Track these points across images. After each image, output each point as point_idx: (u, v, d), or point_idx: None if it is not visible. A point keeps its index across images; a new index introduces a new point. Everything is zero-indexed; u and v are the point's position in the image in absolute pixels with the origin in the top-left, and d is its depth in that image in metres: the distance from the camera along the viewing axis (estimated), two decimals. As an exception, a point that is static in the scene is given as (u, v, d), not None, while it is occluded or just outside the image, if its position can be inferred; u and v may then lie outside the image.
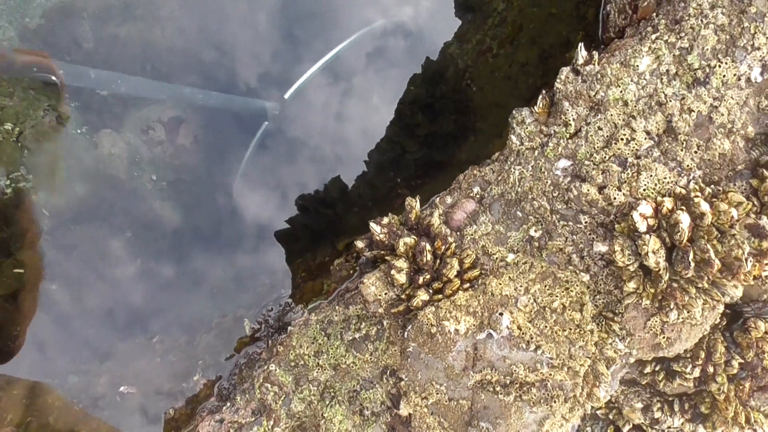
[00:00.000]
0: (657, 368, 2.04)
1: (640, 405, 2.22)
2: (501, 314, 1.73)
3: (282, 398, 2.00)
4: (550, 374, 1.70)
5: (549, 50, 3.41)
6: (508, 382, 1.74)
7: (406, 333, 1.84)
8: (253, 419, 1.99)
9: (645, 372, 2.06)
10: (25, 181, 2.60)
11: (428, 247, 1.81)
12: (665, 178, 1.84)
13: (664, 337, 1.86)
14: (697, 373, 1.95)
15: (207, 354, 2.35)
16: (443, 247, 1.84)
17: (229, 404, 2.05)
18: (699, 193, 1.77)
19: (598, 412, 2.37)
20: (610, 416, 2.32)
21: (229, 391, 2.20)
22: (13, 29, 2.61)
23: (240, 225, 2.73)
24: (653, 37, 2.03)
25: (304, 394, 1.99)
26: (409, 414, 1.90)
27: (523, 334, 1.72)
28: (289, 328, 2.07)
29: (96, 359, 2.45)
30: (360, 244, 1.99)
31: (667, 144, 1.88)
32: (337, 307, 2.06)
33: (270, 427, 1.97)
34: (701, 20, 1.96)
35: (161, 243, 2.70)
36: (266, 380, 2.01)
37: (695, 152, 1.86)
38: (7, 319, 2.62)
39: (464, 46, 3.53)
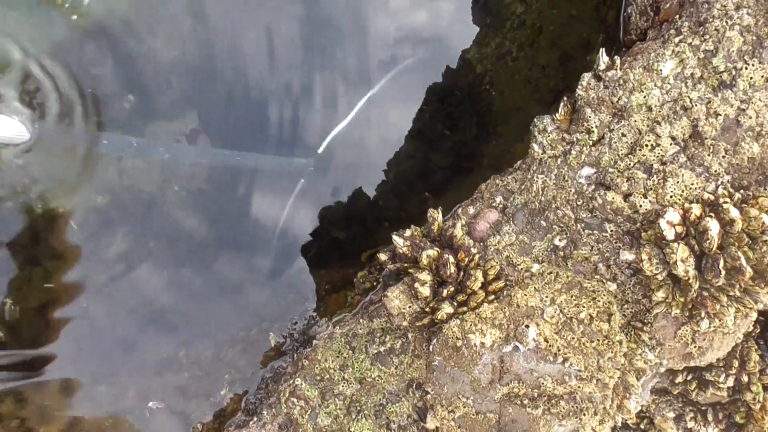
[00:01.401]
0: (689, 377, 1.99)
1: (672, 415, 2.17)
2: (527, 326, 1.71)
3: (308, 412, 2.00)
4: (579, 387, 1.68)
5: (569, 52, 3.38)
6: (535, 395, 1.72)
7: (431, 346, 1.83)
8: (280, 434, 1.99)
9: (676, 381, 2.02)
10: (52, 195, 2.66)
11: (451, 259, 1.80)
12: (692, 184, 1.80)
13: (695, 347, 1.82)
14: (730, 382, 1.90)
15: (233, 368, 2.37)
16: (467, 258, 1.83)
17: (255, 419, 2.06)
18: (728, 199, 1.73)
19: (629, 422, 2.33)
20: (642, 426, 2.27)
21: (255, 405, 2.21)
22: (36, 48, 2.68)
23: (264, 237, 2.75)
24: (676, 40, 1.99)
25: (330, 408, 1.99)
26: (436, 427, 1.89)
27: (550, 346, 1.70)
28: (314, 341, 2.08)
29: (124, 372, 2.48)
30: (383, 256, 1.99)
31: (693, 149, 1.85)
32: (361, 320, 2.05)
33: (297, 441, 1.97)
34: (726, 21, 1.92)
35: (186, 256, 2.73)
36: (292, 394, 2.02)
37: (723, 157, 1.82)
38: (37, 331, 2.68)
39: (483, 51, 3.51)
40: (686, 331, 1.82)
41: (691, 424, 2.11)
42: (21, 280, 2.72)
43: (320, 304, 2.46)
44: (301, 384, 2.03)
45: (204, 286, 2.68)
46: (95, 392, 2.45)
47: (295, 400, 2.01)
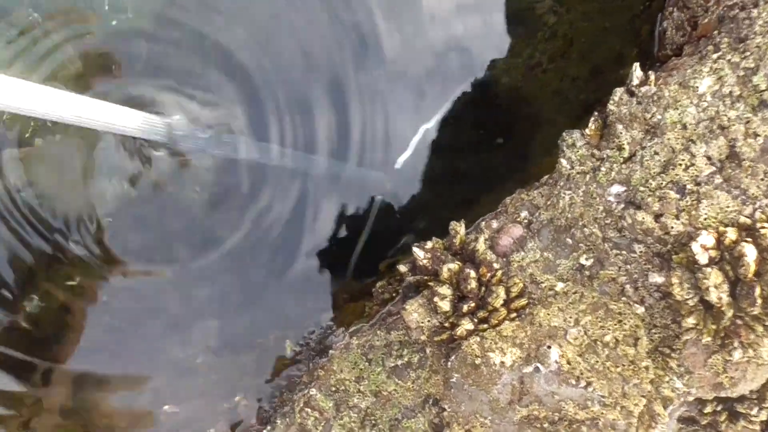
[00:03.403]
0: (719, 408, 1.91)
1: (699, 445, 2.09)
2: (549, 347, 1.66)
3: (322, 424, 1.97)
4: (602, 413, 1.62)
5: (601, 65, 3.32)
6: (556, 418, 1.66)
7: (449, 363, 1.78)
8: (293, 444, 1.96)
9: (705, 412, 1.94)
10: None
11: (473, 274, 1.76)
12: (728, 206, 1.73)
13: (726, 377, 1.75)
14: (764, 416, 1.82)
15: (248, 375, 2.35)
16: (489, 274, 1.78)
17: (269, 427, 2.03)
18: (766, 224, 1.66)
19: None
20: (666, 455, 2.19)
21: (269, 414, 2.19)
22: (73, 49, 2.73)
23: (284, 244, 2.73)
24: (715, 56, 1.92)
25: (345, 420, 1.96)
26: (452, 446, 1.84)
27: (572, 369, 1.64)
28: (330, 351, 2.05)
29: (142, 375, 2.48)
30: (403, 268, 1.95)
31: (730, 170, 1.78)
32: (378, 332, 2.02)
33: (309, 453, 1.94)
34: (768, 38, 1.85)
35: (205, 259, 2.73)
36: (306, 405, 1.99)
37: (762, 179, 1.75)
38: (60, 328, 2.70)
39: (513, 61, 3.47)
40: (717, 359, 1.74)
41: (718, 456, 2.02)
42: (47, 276, 2.75)
43: (337, 313, 2.44)
44: (316, 394, 2.00)
45: (221, 292, 2.68)
46: (110, 393, 2.46)
47: (309, 410, 1.98)
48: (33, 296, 2.73)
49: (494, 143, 3.27)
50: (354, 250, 2.72)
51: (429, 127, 3.01)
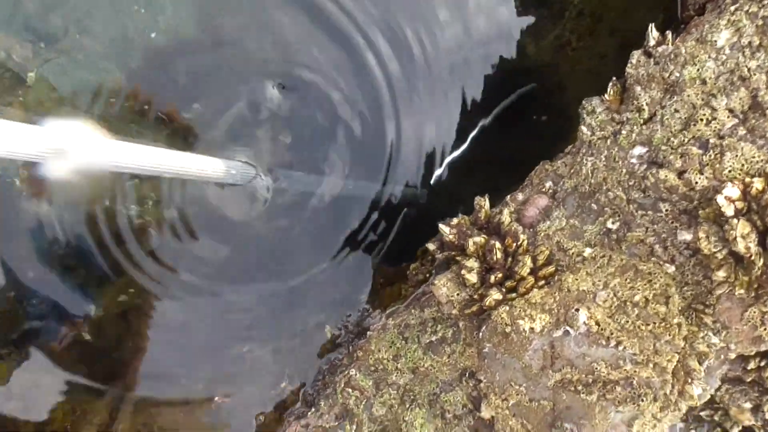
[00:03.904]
0: (762, 363, 1.87)
1: (748, 405, 2.04)
2: (577, 310, 1.67)
3: (363, 402, 2.03)
4: (635, 371, 1.62)
5: (631, 38, 3.28)
6: (590, 380, 1.67)
7: (480, 334, 1.81)
8: (337, 423, 2.03)
9: (749, 368, 1.90)
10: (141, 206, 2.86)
11: (498, 245, 1.78)
12: (753, 157, 1.70)
13: (765, 330, 1.71)
14: (808, 368, 1.77)
15: (292, 361, 2.44)
16: (514, 244, 1.81)
17: (313, 409, 2.11)
18: (794, 171, 1.63)
19: (702, 413, 2.20)
20: (716, 418, 2.15)
21: (313, 396, 2.26)
22: (119, 71, 2.89)
23: (320, 232, 2.82)
24: (732, 8, 1.89)
25: (385, 398, 2.01)
26: (492, 416, 1.87)
27: (602, 330, 1.65)
28: (368, 332, 2.11)
29: (194, 368, 2.61)
30: (431, 246, 2.00)
31: (753, 121, 1.74)
32: (413, 311, 2.07)
33: (353, 430, 2.00)
34: (786, -15, 1.81)
35: (249, 257, 2.84)
36: (347, 385, 2.05)
37: (787, 127, 1.71)
38: (120, 335, 2.87)
39: (541, 43, 3.46)
40: (754, 312, 1.71)
41: (769, 415, 1.97)
42: (105, 287, 2.92)
43: (374, 297, 2.50)
44: (356, 375, 2.06)
45: (271, 285, 2.78)
46: (168, 387, 2.59)
47: (350, 390, 2.05)
48: (92, 306, 2.90)
49: (536, 121, 3.26)
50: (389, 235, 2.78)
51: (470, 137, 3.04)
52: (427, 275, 2.29)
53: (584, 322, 1.66)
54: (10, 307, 2.94)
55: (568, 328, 1.67)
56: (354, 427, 2.00)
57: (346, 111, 2.96)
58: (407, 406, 1.98)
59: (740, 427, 2.10)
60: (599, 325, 1.65)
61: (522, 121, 3.25)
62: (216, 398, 2.49)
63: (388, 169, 2.93)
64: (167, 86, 2.91)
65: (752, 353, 1.82)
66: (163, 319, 2.80)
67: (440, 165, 2.98)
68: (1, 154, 1.49)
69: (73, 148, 1.64)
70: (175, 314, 2.82)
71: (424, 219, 2.92)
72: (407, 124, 3.01)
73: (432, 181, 2.95)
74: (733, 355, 1.82)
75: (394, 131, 2.97)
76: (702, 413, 2.18)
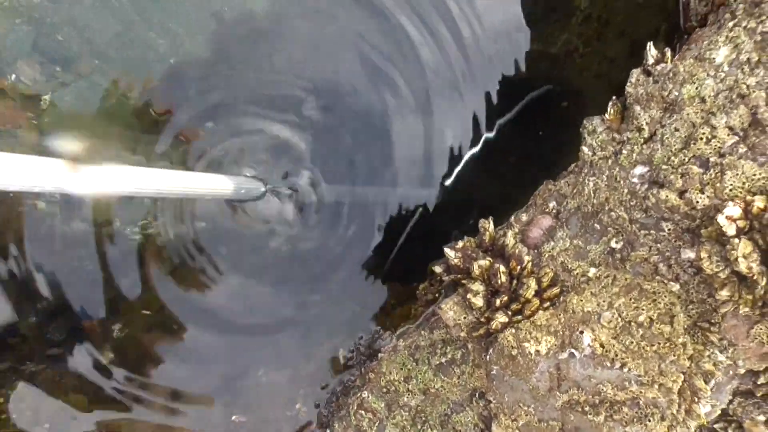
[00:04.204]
0: (772, 379, 1.87)
1: (762, 418, 2.04)
2: (581, 332, 1.69)
3: (376, 424, 2.07)
4: (641, 392, 1.63)
5: (639, 42, 3.27)
6: (596, 401, 1.69)
7: (488, 356, 1.84)
8: (351, 445, 2.07)
9: (759, 383, 1.90)
10: (152, 227, 2.93)
11: (502, 268, 1.81)
12: (754, 174, 1.71)
13: (772, 346, 1.72)
14: (817, 383, 1.77)
15: (306, 383, 2.49)
16: (519, 267, 1.83)
17: (328, 431, 2.15)
18: (795, 188, 1.63)
19: (716, 426, 2.21)
20: (730, 431, 2.15)
21: (327, 418, 2.31)
22: (138, 89, 2.98)
23: (331, 254, 2.87)
24: (730, 24, 1.90)
25: (397, 419, 2.05)
26: (502, 436, 1.90)
27: (606, 351, 1.67)
28: (379, 354, 2.14)
29: (210, 390, 2.68)
30: (438, 269, 2.03)
31: (754, 138, 1.75)
32: (422, 332, 2.10)
33: (367, 452, 2.04)
34: (783, 0, 1.82)
35: (264, 280, 2.90)
36: (360, 407, 2.09)
37: (788, 143, 1.71)
38: (141, 352, 2.95)
39: (549, 49, 3.47)
40: (761, 329, 1.72)
41: (782, 429, 1.97)
42: (128, 306, 3.00)
43: (385, 318, 2.54)
44: (368, 397, 2.10)
45: (285, 307, 2.84)
46: (184, 408, 2.66)
47: (363, 412, 2.09)
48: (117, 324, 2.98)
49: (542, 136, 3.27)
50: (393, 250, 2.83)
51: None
52: (436, 295, 2.32)
53: (588, 345, 1.68)
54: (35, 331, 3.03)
55: (573, 350, 1.70)
56: (368, 448, 2.04)
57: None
58: (419, 427, 2.01)
59: (754, 440, 2.10)
60: (603, 347, 1.67)
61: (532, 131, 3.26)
62: (234, 417, 2.55)
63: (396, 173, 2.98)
64: (184, 105, 2.98)
65: (762, 369, 1.83)
66: (181, 341, 2.87)
67: (451, 172, 3.00)
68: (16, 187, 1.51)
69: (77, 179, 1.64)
70: (191, 337, 2.89)
71: (433, 234, 2.96)
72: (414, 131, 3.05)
73: (447, 183, 2.98)
74: (742, 371, 1.83)
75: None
76: (716, 425, 2.18)
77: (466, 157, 3.06)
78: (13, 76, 2.94)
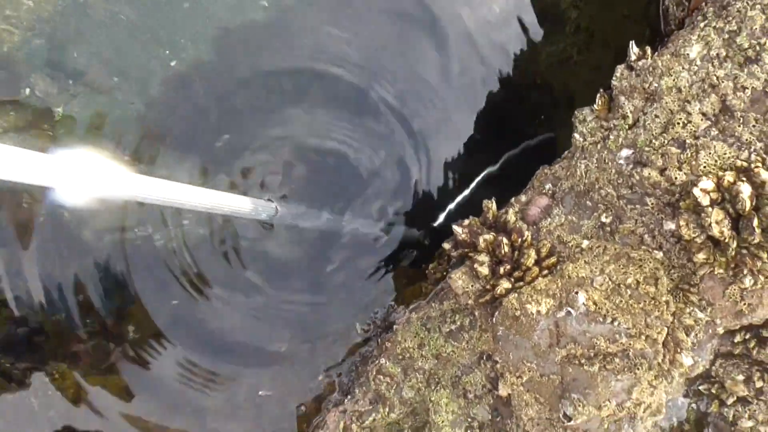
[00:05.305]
0: (747, 336, 2.10)
1: (741, 377, 2.26)
2: (576, 293, 1.92)
3: (394, 387, 2.28)
4: (630, 343, 1.86)
5: (624, 52, 3.53)
6: (591, 354, 1.91)
7: (494, 319, 2.07)
8: (371, 407, 2.28)
9: (736, 342, 2.13)
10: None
11: (505, 240, 2.04)
12: (725, 153, 1.95)
13: (744, 304, 1.95)
14: (786, 336, 2.00)
15: (327, 357, 2.71)
16: (519, 239, 2.07)
17: (349, 397, 2.37)
18: (760, 164, 1.87)
19: (701, 387, 2.42)
20: (713, 391, 2.37)
21: (348, 386, 2.52)
22: (140, 101, 3.16)
23: (344, 239, 3.09)
24: (702, 24, 2.16)
25: (412, 382, 2.26)
26: (508, 393, 2.11)
27: (599, 309, 1.90)
28: (394, 326, 2.36)
29: (239, 367, 2.89)
30: (446, 245, 2.26)
31: (724, 122, 2.00)
32: (433, 304, 2.32)
33: (386, 413, 2.25)
34: (747, 2, 2.07)
35: (281, 268, 3.13)
36: (378, 373, 2.31)
37: (753, 126, 1.96)
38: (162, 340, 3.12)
39: (541, 58, 3.70)
40: (734, 290, 1.95)
41: (759, 384, 2.19)
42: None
43: (398, 295, 2.76)
44: (386, 363, 2.31)
45: (300, 292, 3.06)
46: (214, 385, 2.87)
47: (381, 377, 2.30)
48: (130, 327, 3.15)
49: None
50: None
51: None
52: (445, 273, 2.54)
53: (583, 303, 1.91)
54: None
55: (569, 308, 1.92)
56: (387, 409, 2.26)
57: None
58: (433, 388, 2.23)
59: (735, 398, 2.32)
60: (596, 305, 1.90)
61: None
62: (260, 392, 2.76)
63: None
64: (197, 121, 3.19)
65: (737, 327, 2.06)
66: (205, 322, 3.06)
67: (444, 210, 3.21)
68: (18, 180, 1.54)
69: (92, 178, 1.64)
70: (215, 318, 3.08)
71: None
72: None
73: (436, 224, 3.18)
74: (720, 330, 2.06)
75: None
76: (701, 387, 2.40)
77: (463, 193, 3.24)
78: (28, 89, 3.05)
